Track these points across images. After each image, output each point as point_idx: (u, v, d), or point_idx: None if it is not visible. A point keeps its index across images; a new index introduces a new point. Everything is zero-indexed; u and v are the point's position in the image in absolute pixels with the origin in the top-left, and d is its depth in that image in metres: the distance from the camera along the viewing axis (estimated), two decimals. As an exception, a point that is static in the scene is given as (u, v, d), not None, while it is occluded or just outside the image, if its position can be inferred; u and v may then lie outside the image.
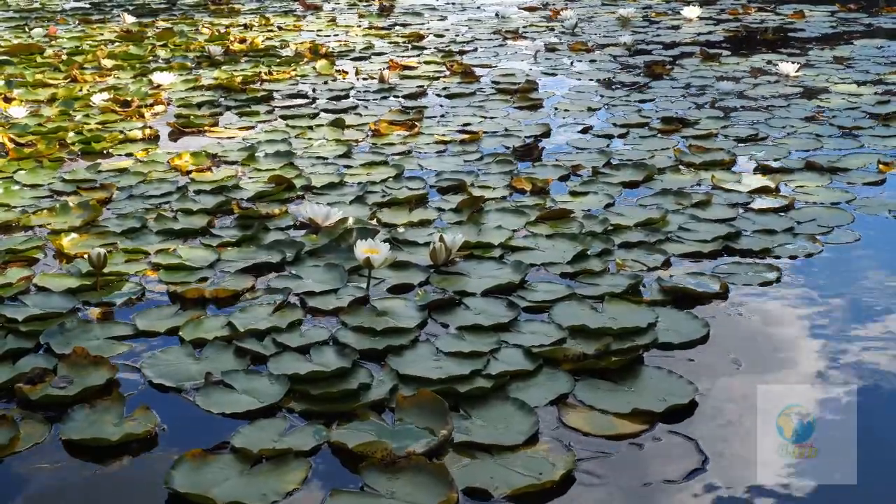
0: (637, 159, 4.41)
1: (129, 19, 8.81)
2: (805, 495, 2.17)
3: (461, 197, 3.91)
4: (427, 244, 3.39)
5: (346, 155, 4.64)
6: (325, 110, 5.56)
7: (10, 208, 4.00)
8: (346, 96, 5.94)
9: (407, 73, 6.53)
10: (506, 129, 5.02)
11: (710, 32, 7.92)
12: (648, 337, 2.78)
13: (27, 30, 8.61)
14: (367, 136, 5.00)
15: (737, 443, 2.35)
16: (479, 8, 9.78)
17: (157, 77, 6.21)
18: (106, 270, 3.23)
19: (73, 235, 3.59)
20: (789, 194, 3.95)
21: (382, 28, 8.55)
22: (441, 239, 3.27)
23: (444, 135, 4.93)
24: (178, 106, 5.73)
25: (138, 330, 2.93)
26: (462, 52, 7.29)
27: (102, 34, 8.37)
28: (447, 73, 6.50)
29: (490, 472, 2.23)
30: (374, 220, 3.76)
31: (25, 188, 4.26)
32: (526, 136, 4.89)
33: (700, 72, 6.38)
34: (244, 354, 2.75)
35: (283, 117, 5.44)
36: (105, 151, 4.83)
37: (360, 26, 8.68)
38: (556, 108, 5.49)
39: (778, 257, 3.37)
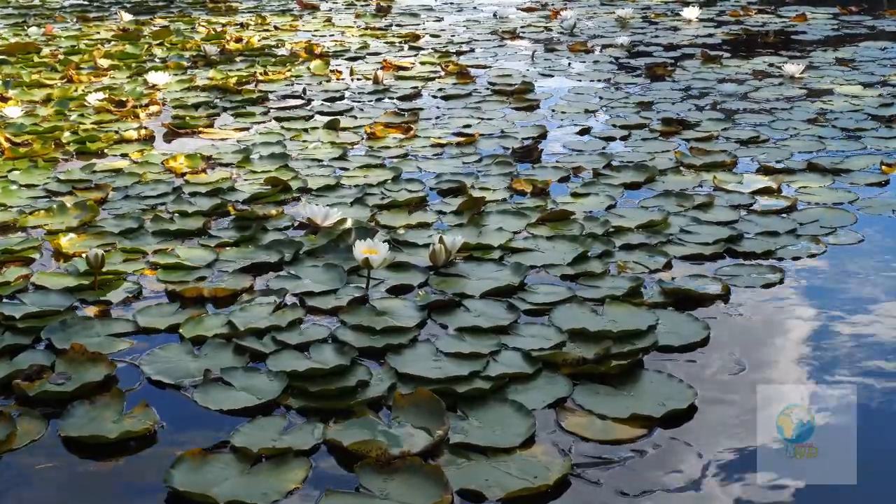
0: (638, 161, 4.39)
1: (127, 17, 8.80)
2: (805, 495, 2.16)
3: (461, 199, 3.89)
4: (427, 245, 3.37)
5: (342, 157, 4.61)
6: (320, 112, 5.54)
7: (7, 208, 3.98)
8: (341, 97, 5.90)
9: (402, 73, 6.50)
10: (502, 132, 5.00)
11: (709, 35, 7.88)
12: (649, 340, 2.76)
13: (25, 28, 8.59)
14: (363, 139, 4.97)
15: (737, 443, 2.34)
16: (475, 8, 9.77)
17: (153, 77, 6.19)
18: (104, 270, 3.21)
19: (72, 235, 3.58)
20: (792, 195, 3.94)
21: (379, 28, 8.54)
22: (441, 240, 3.25)
23: (440, 137, 4.89)
24: (174, 106, 5.70)
25: (139, 327, 2.92)
26: (459, 53, 7.27)
27: (99, 33, 8.36)
28: (442, 73, 6.47)
29: (485, 474, 2.22)
30: (374, 221, 3.75)
31: (21, 188, 4.23)
32: (523, 138, 4.87)
33: (701, 73, 6.36)
34: (243, 352, 2.74)
35: (279, 119, 5.42)
36: (100, 152, 4.81)
37: (356, 26, 8.67)
38: (552, 110, 5.47)
39: (781, 259, 3.35)
